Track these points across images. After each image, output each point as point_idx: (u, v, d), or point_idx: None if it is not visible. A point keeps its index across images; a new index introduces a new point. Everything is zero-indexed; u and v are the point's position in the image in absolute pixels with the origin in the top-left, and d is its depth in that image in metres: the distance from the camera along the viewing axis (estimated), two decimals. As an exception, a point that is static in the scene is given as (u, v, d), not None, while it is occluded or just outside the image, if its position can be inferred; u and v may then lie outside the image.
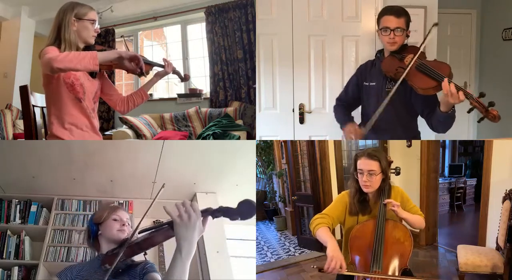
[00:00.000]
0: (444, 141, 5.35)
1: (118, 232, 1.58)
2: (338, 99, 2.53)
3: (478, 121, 1.92)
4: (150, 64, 2.20)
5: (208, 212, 1.32)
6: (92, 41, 2.11)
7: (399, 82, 2.08)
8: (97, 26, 2.12)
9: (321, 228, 1.66)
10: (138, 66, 2.00)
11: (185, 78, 2.43)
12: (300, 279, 3.30)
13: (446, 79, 1.91)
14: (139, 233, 1.47)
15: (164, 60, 2.26)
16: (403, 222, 1.76)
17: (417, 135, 2.39)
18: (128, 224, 1.64)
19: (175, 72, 2.31)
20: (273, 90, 3.07)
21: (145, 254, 1.55)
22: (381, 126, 2.21)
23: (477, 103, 1.86)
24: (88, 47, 2.10)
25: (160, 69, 2.25)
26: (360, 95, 2.41)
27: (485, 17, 4.36)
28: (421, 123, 2.38)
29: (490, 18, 4.30)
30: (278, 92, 3.08)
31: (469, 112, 1.91)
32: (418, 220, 1.77)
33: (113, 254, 1.48)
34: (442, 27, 3.68)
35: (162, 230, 1.38)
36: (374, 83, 2.31)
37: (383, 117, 2.15)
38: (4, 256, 2.72)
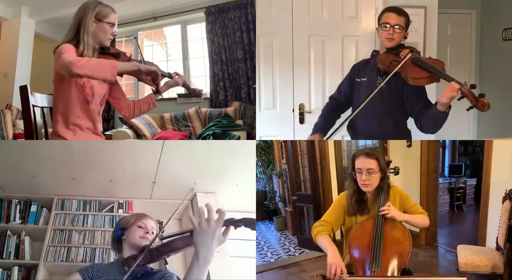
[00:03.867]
0: (444, 141, 5.35)
1: (141, 239, 1.60)
2: (331, 97, 2.53)
3: (467, 109, 1.97)
4: (163, 75, 2.19)
5: (230, 222, 1.36)
6: (107, 44, 2.09)
7: (393, 72, 2.09)
8: (115, 29, 2.09)
9: (322, 236, 1.69)
10: (154, 82, 1.99)
11: (193, 93, 2.42)
12: (300, 279, 3.30)
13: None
14: (160, 239, 1.50)
15: (176, 73, 2.26)
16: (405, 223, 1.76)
17: (407, 133, 2.38)
18: (153, 233, 1.65)
19: (184, 85, 2.31)
20: (273, 90, 3.07)
21: (166, 263, 1.58)
22: (371, 121, 2.21)
23: (467, 92, 1.91)
24: (102, 48, 2.08)
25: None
26: (352, 94, 2.40)
27: (485, 17, 4.35)
28: (411, 123, 2.36)
29: (490, 18, 4.29)
30: (278, 92, 3.08)
31: (459, 99, 1.94)
32: (420, 219, 1.77)
33: (133, 257, 1.51)
34: (442, 27, 3.67)
35: (183, 237, 1.41)
36: (365, 79, 2.32)
37: (373, 111, 2.15)
38: (4, 256, 2.71)
